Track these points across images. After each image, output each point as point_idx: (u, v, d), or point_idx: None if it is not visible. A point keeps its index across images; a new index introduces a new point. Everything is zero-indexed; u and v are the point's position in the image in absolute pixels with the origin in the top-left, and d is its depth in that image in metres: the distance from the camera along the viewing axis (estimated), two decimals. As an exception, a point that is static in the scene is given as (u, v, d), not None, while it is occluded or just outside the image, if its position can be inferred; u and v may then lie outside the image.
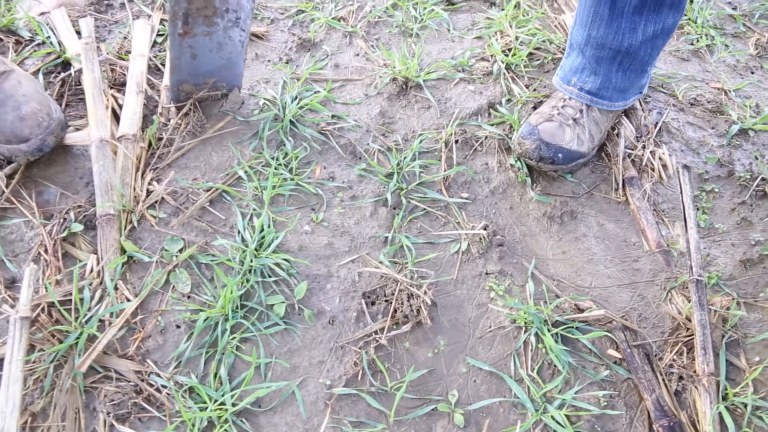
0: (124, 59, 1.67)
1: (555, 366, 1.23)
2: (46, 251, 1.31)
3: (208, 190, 1.41)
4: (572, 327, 1.26)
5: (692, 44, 1.91)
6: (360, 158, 1.51)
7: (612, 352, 1.26)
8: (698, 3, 2.04)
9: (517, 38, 1.81)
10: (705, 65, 1.87)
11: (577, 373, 1.23)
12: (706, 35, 1.95)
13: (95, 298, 1.24)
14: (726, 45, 1.93)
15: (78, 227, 1.33)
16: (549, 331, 1.25)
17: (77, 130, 1.52)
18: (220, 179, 1.44)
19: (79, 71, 1.61)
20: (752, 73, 1.87)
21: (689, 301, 1.31)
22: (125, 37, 1.76)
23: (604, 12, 1.41)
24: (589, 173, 1.54)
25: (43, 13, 1.80)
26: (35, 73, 1.62)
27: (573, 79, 1.53)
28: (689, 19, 2.00)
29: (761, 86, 1.82)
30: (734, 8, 2.07)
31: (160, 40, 1.75)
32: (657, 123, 1.65)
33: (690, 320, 1.29)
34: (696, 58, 1.89)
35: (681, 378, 1.23)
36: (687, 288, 1.34)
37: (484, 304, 1.30)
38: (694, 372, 1.22)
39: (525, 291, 1.32)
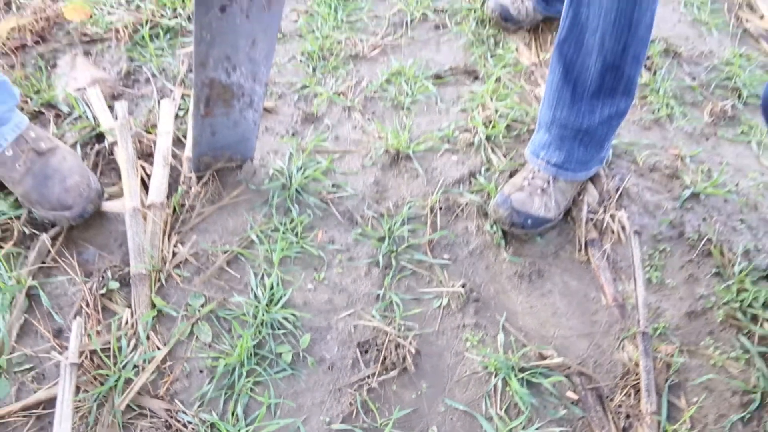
0: (150, 132, 1.91)
1: (519, 406, 1.45)
2: (87, 305, 1.53)
3: (225, 252, 1.64)
4: (536, 372, 1.48)
5: (654, 114, 2.15)
6: (356, 224, 1.74)
7: (570, 393, 1.47)
8: (661, 75, 2.28)
9: (496, 111, 2.05)
10: (665, 133, 2.10)
11: (538, 412, 1.45)
12: (666, 105, 2.18)
13: (130, 347, 1.46)
14: (684, 114, 2.17)
15: (114, 285, 1.56)
16: (515, 376, 1.47)
17: (110, 197, 1.76)
18: (235, 242, 1.67)
19: (113, 144, 1.85)
20: (707, 140, 2.10)
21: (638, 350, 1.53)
22: (150, 111, 2.00)
23: (567, 96, 1.65)
24: (556, 236, 1.77)
25: (79, 89, 2.05)
26: (73, 145, 1.86)
27: (541, 153, 1.76)
28: (652, 89, 2.23)
29: (714, 152, 2.05)
30: (693, 78, 2.31)
31: (181, 113, 1.99)
32: (618, 188, 1.88)
33: (638, 366, 1.50)
34: (657, 127, 2.12)
35: (628, 416, 1.44)
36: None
37: (460, 352, 1.52)
38: (639, 411, 1.44)
39: (496, 341, 1.55)
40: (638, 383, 1.48)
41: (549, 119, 1.72)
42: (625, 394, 1.48)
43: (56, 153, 1.67)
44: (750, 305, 1.63)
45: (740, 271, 1.70)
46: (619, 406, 1.46)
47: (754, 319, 1.62)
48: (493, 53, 2.31)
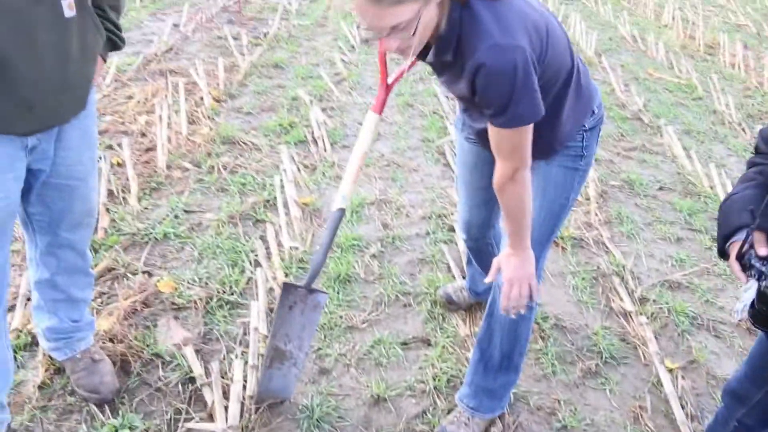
0: (223, 378, 3.06)
1: None
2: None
3: (276, 458, 2.75)
4: None
5: (543, 370, 3.33)
6: None
7: None
8: (550, 342, 3.51)
9: (441, 369, 3.24)
10: (549, 383, 3.27)
11: None
12: (552, 364, 3.36)
13: None
14: (564, 370, 3.36)
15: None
16: None
17: (200, 420, 2.87)
18: (282, 451, 2.78)
19: (203, 384, 2.99)
20: (577, 387, 3.26)
21: None
22: (221, 362, 3.16)
23: (480, 370, 2.82)
24: (474, 452, 2.90)
25: (175, 344, 3.22)
26: (176, 384, 3.00)
27: (464, 400, 2.89)
28: (543, 353, 3.44)
29: (581, 397, 3.21)
30: (572, 344, 3.53)
31: (241, 364, 3.15)
32: (515, 422, 3.03)
33: None
34: (544, 379, 3.30)
35: None
36: None
37: None
38: None
39: None
40: None
41: (470, 381, 2.90)
42: None
43: (103, 362, 2.85)
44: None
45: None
46: None
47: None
48: (441, 326, 3.55)
